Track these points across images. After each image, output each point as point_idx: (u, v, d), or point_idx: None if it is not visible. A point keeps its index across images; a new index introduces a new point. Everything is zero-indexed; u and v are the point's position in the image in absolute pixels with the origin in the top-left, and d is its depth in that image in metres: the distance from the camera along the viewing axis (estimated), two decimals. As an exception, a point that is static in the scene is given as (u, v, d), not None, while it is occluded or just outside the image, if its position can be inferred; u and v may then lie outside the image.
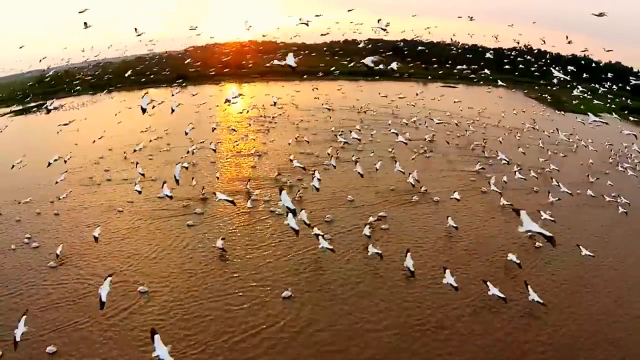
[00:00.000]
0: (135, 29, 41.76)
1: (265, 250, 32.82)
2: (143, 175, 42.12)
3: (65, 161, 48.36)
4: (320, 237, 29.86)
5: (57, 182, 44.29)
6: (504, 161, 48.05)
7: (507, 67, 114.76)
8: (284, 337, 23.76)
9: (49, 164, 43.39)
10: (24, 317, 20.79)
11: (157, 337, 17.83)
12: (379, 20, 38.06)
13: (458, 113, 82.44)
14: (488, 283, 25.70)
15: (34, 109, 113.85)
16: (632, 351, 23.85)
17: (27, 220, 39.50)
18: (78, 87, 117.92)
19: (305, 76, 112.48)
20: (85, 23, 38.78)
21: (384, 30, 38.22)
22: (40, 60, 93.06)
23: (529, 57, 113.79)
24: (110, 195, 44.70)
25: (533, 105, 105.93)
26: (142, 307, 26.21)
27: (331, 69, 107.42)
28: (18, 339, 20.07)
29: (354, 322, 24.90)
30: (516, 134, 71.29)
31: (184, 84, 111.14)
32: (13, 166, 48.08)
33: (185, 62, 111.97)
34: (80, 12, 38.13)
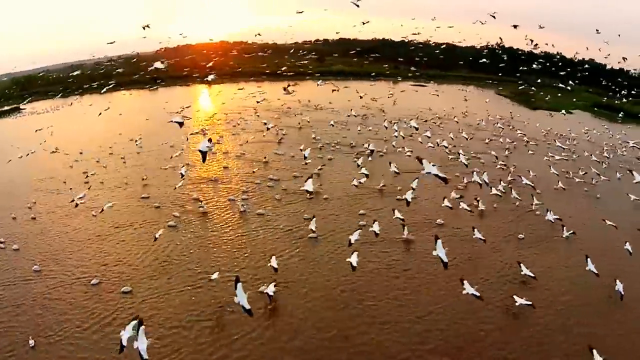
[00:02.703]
0: (145, 27, 45.03)
1: (250, 251, 33.60)
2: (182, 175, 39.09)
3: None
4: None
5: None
6: None
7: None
8: (263, 342, 24.05)
9: None
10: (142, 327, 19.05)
11: (142, 328, 18.74)
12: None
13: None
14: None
15: (9, 112, 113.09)
16: None
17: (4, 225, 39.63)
18: (51, 91, 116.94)
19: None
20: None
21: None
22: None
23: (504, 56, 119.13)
24: (88, 198, 44.64)
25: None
26: (124, 309, 26.63)
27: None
28: (124, 343, 19.29)
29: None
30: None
31: (157, 86, 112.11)
32: None
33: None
34: None
